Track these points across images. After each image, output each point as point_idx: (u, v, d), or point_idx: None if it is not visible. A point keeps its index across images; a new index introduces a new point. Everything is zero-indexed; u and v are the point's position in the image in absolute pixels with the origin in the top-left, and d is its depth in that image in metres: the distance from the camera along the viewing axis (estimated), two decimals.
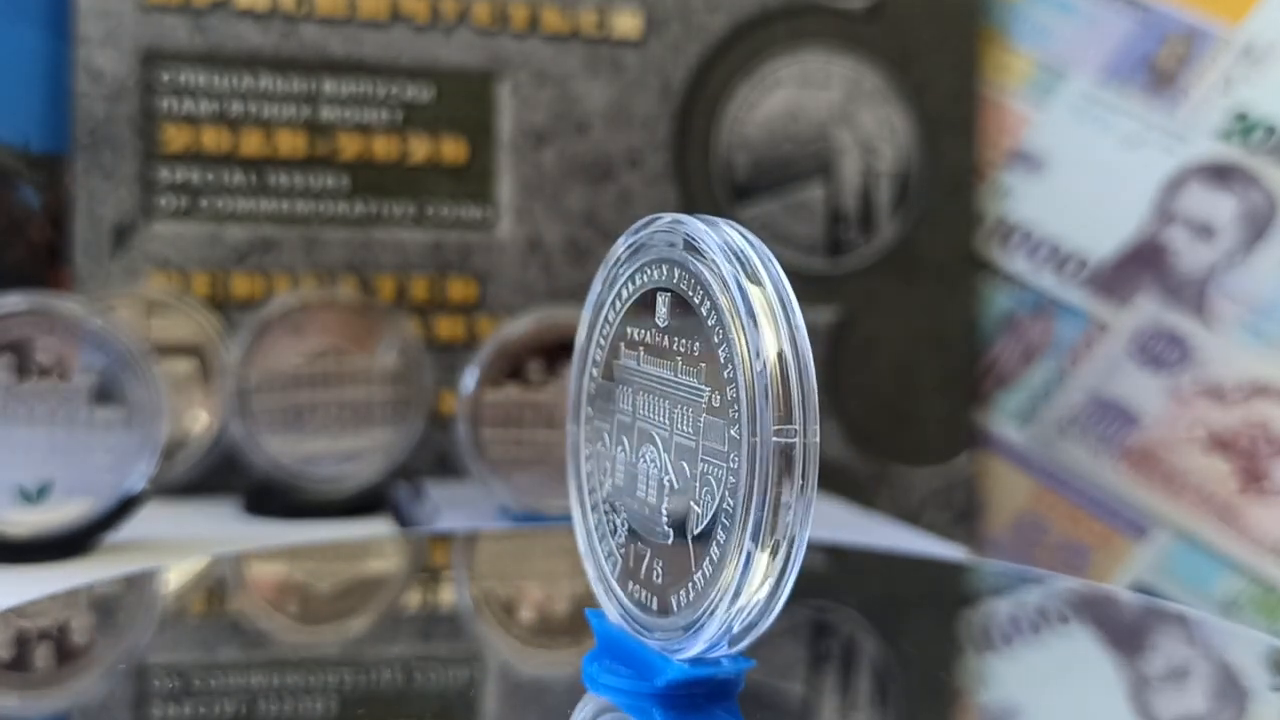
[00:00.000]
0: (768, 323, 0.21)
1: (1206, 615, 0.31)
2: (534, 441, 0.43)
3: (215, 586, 0.34)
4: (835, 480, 0.57)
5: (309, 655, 0.28)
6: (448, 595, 0.34)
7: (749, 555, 0.21)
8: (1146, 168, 0.55)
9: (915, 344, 0.58)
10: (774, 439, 0.20)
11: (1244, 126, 0.53)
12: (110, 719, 0.24)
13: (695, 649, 0.22)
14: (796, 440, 0.20)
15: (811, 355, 0.21)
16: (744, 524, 0.21)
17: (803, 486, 0.20)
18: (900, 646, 0.30)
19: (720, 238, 0.22)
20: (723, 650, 0.22)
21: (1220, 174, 0.54)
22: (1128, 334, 0.56)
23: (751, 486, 0.20)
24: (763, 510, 0.20)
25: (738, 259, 0.21)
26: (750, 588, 0.21)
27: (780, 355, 0.21)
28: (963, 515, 0.59)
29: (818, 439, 0.21)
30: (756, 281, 0.21)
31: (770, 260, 0.22)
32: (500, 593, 0.34)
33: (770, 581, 0.21)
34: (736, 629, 0.21)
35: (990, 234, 0.59)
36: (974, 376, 0.59)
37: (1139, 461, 0.55)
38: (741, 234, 0.22)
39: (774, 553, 0.21)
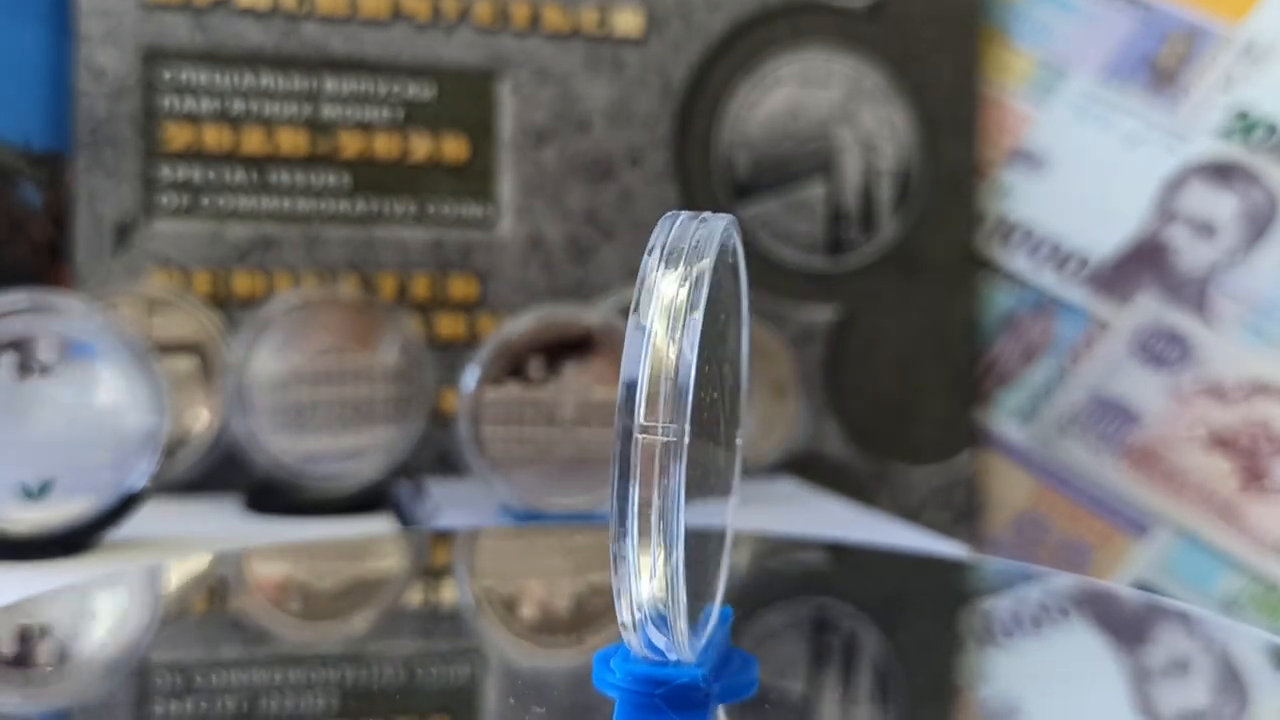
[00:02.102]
0: (661, 317, 0.20)
1: (1207, 613, 0.31)
2: (535, 439, 0.43)
3: (216, 584, 0.34)
4: (835, 479, 0.57)
5: (310, 653, 0.28)
6: (449, 593, 0.34)
7: (617, 553, 0.20)
8: (1147, 166, 0.55)
9: (916, 343, 0.58)
10: (640, 435, 0.20)
11: (1245, 125, 0.53)
12: (111, 717, 0.24)
13: (630, 644, 0.22)
14: (664, 438, 0.20)
15: (695, 353, 0.20)
16: (615, 521, 0.20)
17: (667, 485, 0.20)
18: (901, 643, 0.30)
19: (666, 230, 0.21)
20: (660, 654, 0.22)
21: (1221, 173, 0.54)
22: (1128, 333, 0.56)
23: (619, 483, 0.20)
24: (626, 507, 0.20)
25: (660, 252, 0.21)
26: (631, 585, 0.20)
27: (662, 351, 0.20)
28: (963, 514, 0.59)
29: (686, 437, 0.20)
30: (672, 271, 0.21)
31: (696, 255, 0.21)
32: (501, 591, 0.34)
33: (656, 580, 0.20)
34: (638, 625, 0.21)
35: (991, 233, 0.59)
36: (974, 375, 0.59)
37: (1140, 460, 0.55)
38: (696, 229, 0.21)
39: (660, 553, 0.20)
